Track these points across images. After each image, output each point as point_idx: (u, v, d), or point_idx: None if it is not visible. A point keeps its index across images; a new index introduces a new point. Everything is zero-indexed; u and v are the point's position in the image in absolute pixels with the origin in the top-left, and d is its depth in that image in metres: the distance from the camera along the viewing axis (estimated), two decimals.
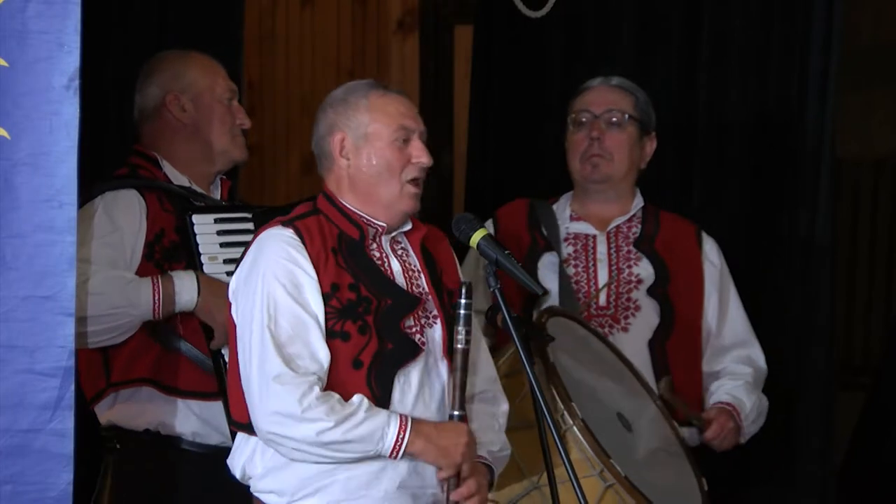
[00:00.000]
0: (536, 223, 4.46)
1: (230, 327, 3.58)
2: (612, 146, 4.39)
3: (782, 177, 5.04)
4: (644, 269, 4.39)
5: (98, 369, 4.08)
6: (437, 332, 3.57)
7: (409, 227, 3.65)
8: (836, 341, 5.42)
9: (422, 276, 3.62)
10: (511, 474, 3.89)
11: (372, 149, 3.55)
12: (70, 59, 3.24)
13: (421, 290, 3.59)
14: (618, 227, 4.45)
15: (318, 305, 3.46)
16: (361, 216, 3.57)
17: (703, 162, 5.14)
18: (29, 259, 3.24)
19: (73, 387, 3.26)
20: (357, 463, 3.46)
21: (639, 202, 4.48)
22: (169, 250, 4.09)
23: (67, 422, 3.26)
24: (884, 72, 7.63)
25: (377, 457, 3.44)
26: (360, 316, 3.48)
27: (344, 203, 3.58)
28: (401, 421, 3.44)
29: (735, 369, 4.40)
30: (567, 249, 4.42)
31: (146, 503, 4.09)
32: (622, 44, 5.27)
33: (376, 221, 3.57)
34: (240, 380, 3.49)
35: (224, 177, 4.31)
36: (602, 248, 4.42)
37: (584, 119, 4.42)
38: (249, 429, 3.49)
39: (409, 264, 3.62)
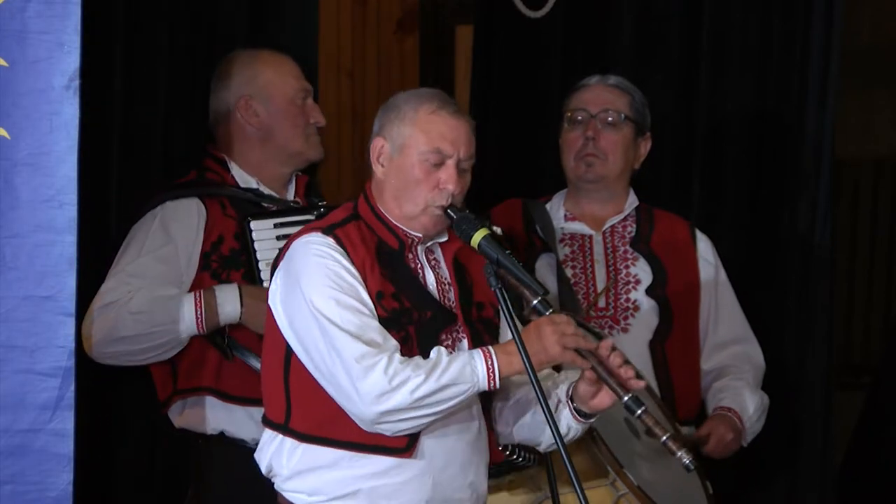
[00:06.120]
0: (532, 223, 4.45)
1: (269, 331, 3.53)
2: (607, 146, 4.38)
3: (782, 176, 5.04)
4: (641, 270, 4.39)
5: (167, 375, 4.11)
6: (464, 347, 3.53)
7: (444, 238, 3.61)
8: (836, 341, 5.41)
9: (452, 289, 3.58)
10: (525, 484, 3.90)
11: (402, 162, 3.50)
12: (70, 59, 3.25)
13: (451, 303, 3.57)
14: (613, 226, 4.45)
15: (371, 306, 3.42)
16: (398, 226, 3.53)
17: (703, 162, 5.13)
18: (29, 259, 3.25)
19: (73, 387, 3.27)
20: (381, 473, 3.43)
21: (633, 201, 4.48)
22: (227, 258, 4.09)
23: (67, 422, 3.27)
24: (884, 72, 7.62)
25: (475, 394, 3.39)
26: (403, 326, 3.45)
27: (382, 211, 3.53)
28: (482, 351, 3.40)
29: (735, 368, 4.40)
30: (564, 250, 4.42)
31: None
32: (622, 44, 5.26)
33: (412, 232, 3.54)
34: (274, 381, 3.48)
35: (301, 173, 4.29)
36: (599, 249, 4.42)
37: (579, 117, 4.41)
38: (283, 429, 3.47)
39: (442, 277, 3.59)
